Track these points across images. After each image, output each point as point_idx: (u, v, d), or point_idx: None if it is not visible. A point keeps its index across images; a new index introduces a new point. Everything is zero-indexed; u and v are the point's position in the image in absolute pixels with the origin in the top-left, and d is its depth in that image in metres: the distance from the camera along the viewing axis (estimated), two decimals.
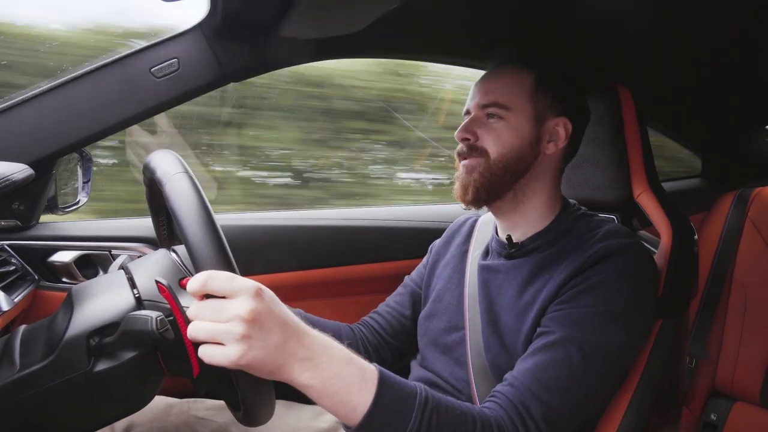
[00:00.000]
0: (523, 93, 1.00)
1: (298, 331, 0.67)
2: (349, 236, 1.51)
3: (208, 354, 0.63)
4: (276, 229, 1.46)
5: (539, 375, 0.84)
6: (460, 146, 1.03)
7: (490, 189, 1.00)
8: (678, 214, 1.05)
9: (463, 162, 1.02)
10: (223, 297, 0.63)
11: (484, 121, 1.01)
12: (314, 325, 0.73)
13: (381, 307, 1.24)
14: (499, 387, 0.86)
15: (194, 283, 0.63)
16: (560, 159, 1.05)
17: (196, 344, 0.65)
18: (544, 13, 1.11)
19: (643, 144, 1.08)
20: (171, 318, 0.71)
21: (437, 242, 1.26)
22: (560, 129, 1.02)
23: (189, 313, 0.64)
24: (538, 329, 0.90)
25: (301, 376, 0.67)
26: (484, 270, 1.07)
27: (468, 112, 1.05)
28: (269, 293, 0.66)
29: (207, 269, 0.64)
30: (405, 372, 1.06)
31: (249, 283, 0.64)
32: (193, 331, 0.63)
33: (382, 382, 0.72)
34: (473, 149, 1.00)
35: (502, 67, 1.04)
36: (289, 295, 0.71)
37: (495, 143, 0.99)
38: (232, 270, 0.65)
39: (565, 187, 1.10)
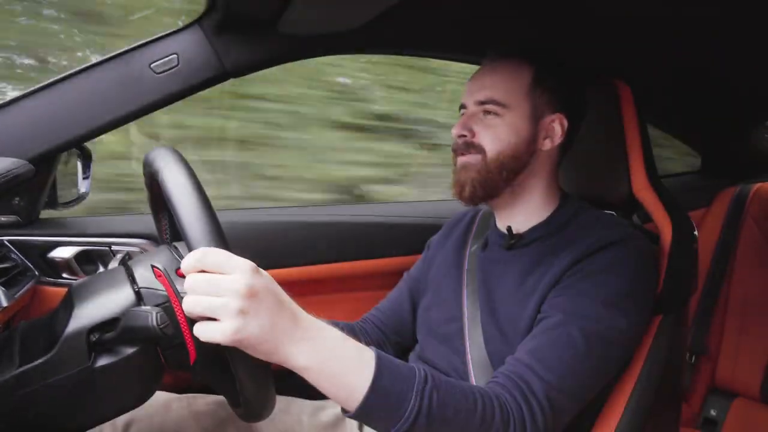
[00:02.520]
0: (522, 90, 0.99)
1: (293, 312, 0.67)
2: (347, 233, 1.51)
3: (203, 330, 0.63)
4: (273, 225, 1.46)
5: (540, 355, 0.84)
6: (456, 142, 1.02)
7: (487, 187, 1.00)
8: (678, 210, 1.05)
9: (460, 159, 1.02)
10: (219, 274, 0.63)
11: (481, 117, 1.00)
12: None
13: (381, 304, 1.25)
14: (500, 368, 0.86)
15: (190, 259, 0.63)
16: (557, 153, 1.05)
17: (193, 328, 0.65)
18: (544, 8, 1.11)
19: (642, 140, 1.08)
20: (167, 304, 0.71)
21: (435, 238, 1.27)
22: (556, 125, 1.01)
23: (183, 286, 0.64)
24: (539, 315, 0.91)
25: (299, 358, 0.66)
26: (483, 261, 1.07)
27: (464, 107, 1.04)
28: (265, 272, 0.66)
29: (201, 248, 0.64)
30: None
31: (245, 261, 0.64)
32: (189, 304, 0.63)
33: (380, 362, 0.72)
34: (470, 146, 1.00)
35: (500, 60, 1.03)
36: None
37: (492, 141, 0.99)
38: (227, 249, 0.66)
39: (565, 183, 1.10)
